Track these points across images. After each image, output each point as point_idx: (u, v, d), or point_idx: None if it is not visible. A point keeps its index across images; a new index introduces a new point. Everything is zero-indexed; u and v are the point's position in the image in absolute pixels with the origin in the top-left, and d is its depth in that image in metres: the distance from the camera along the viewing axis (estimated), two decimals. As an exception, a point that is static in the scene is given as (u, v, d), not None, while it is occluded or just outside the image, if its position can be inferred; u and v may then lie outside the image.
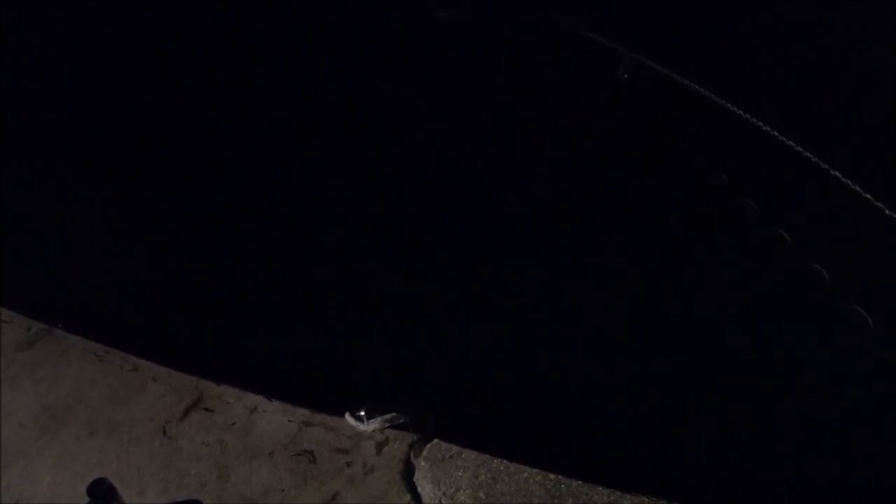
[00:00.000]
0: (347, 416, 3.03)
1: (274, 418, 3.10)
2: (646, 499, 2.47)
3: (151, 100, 4.81)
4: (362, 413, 3.01)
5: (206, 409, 3.20)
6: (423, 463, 2.84)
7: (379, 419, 2.99)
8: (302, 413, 3.10)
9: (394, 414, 3.00)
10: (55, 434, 3.31)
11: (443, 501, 2.71)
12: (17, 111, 5.01)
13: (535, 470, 2.71)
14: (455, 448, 2.87)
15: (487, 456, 2.80)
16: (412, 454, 2.89)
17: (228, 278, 3.65)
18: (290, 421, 3.08)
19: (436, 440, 2.91)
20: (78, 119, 4.91)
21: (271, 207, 4.04)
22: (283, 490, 2.85)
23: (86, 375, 3.49)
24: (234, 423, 3.12)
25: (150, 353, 3.44)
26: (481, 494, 2.67)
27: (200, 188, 4.14)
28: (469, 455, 2.83)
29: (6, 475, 3.21)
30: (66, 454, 3.21)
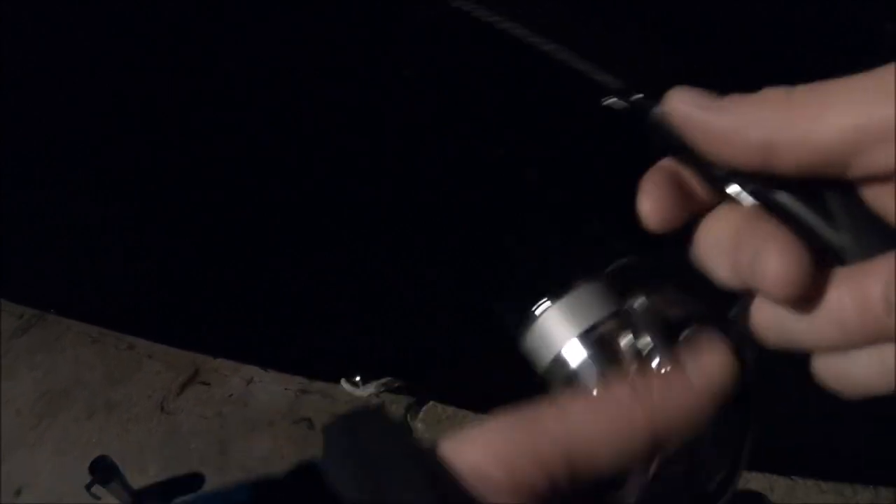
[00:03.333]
0: (343, 383, 3.04)
1: (271, 388, 3.11)
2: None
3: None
4: (357, 378, 3.02)
5: (203, 383, 3.20)
6: (419, 425, 2.85)
7: (374, 384, 2.99)
8: (299, 381, 3.10)
9: (389, 378, 3.00)
10: (54, 419, 3.31)
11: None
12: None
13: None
14: (451, 409, 2.88)
15: (484, 416, 2.80)
16: (409, 416, 2.91)
17: (220, 252, 3.63)
18: (286, 390, 3.08)
19: (431, 402, 2.91)
20: (64, 98, 4.87)
21: (264, 181, 4.02)
22: (282, 457, 2.86)
23: (82, 358, 3.48)
24: (231, 395, 3.12)
25: (144, 332, 3.43)
26: (479, 454, 2.69)
27: (190, 163, 4.11)
28: (465, 416, 2.84)
29: (6, 464, 3.22)
30: (66, 438, 3.22)
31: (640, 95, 0.35)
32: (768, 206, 0.30)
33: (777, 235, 0.29)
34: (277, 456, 2.87)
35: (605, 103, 0.37)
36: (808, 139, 0.26)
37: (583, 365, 0.40)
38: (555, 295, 0.42)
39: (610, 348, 0.40)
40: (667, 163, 0.35)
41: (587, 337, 0.40)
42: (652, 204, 0.32)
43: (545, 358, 0.42)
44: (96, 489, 2.78)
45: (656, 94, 0.34)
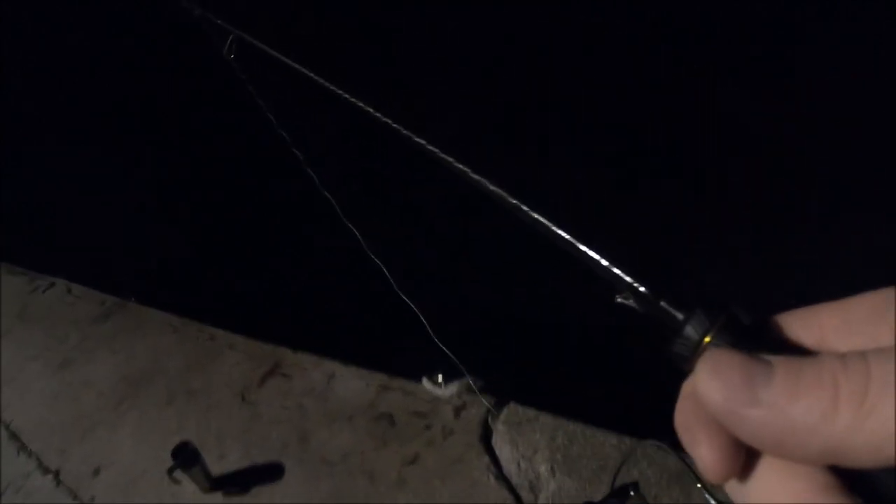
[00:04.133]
0: (424, 381, 3.05)
1: (352, 384, 3.13)
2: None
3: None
4: (440, 378, 3.03)
5: (284, 375, 3.24)
6: (500, 426, 2.84)
7: (456, 384, 3.00)
8: (379, 378, 3.12)
9: (470, 379, 3.02)
10: (133, 402, 3.36)
11: (521, 463, 2.71)
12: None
13: (610, 432, 2.71)
14: (531, 412, 2.87)
15: (563, 419, 2.80)
16: (489, 418, 2.90)
17: (307, 250, 3.69)
18: (367, 386, 3.10)
19: (512, 404, 2.91)
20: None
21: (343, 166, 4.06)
22: (363, 452, 2.87)
23: (162, 346, 3.54)
24: (312, 389, 3.15)
25: (225, 323, 3.49)
26: (558, 456, 2.67)
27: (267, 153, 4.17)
28: (545, 418, 2.83)
29: (87, 444, 3.28)
30: (145, 421, 3.27)
31: (663, 303, 0.36)
32: None
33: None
34: (358, 451, 2.88)
35: (619, 300, 0.39)
36: (858, 446, 0.26)
37: None
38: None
39: None
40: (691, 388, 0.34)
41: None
42: (714, 455, 0.31)
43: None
44: (177, 474, 2.81)
45: (667, 295, 0.35)
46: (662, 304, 0.36)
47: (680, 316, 0.34)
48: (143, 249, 4.00)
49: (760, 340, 0.31)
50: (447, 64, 4.27)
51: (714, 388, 0.29)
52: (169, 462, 3.05)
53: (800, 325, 0.32)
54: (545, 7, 4.43)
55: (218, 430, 3.09)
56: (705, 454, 0.31)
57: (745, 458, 0.31)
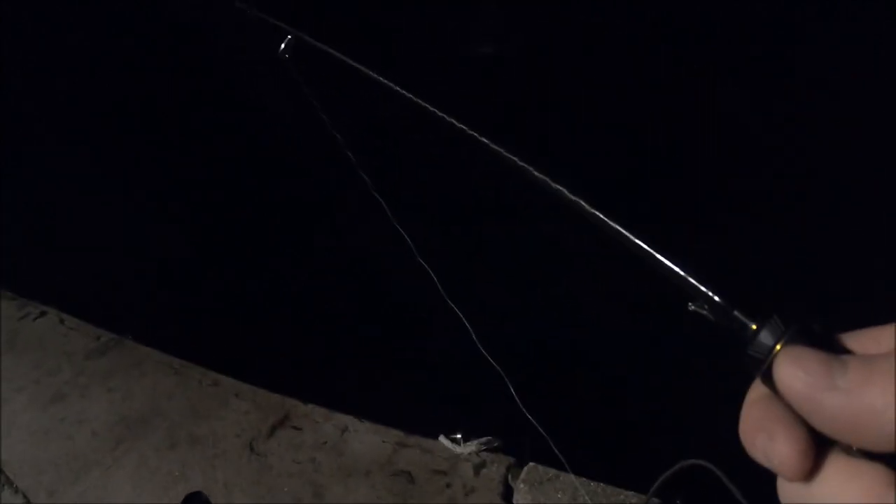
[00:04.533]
0: (442, 439, 3.05)
1: (366, 438, 3.10)
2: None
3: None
4: (458, 436, 3.03)
5: (295, 427, 3.18)
6: (521, 485, 2.86)
7: (475, 442, 3.01)
8: (395, 434, 3.10)
9: (489, 437, 3.03)
10: (132, 444, 3.25)
11: (543, 523, 2.74)
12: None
13: (631, 492, 2.76)
14: (552, 471, 2.89)
15: (585, 478, 2.83)
16: (510, 476, 2.92)
17: (316, 300, 3.65)
18: (384, 442, 3.08)
19: (532, 463, 2.93)
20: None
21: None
22: (382, 509, 2.84)
23: (162, 388, 3.44)
24: (325, 443, 3.10)
25: (230, 369, 3.41)
26: (582, 516, 2.71)
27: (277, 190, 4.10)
28: (567, 478, 2.85)
29: (80, 484, 3.14)
30: (145, 465, 3.15)
31: (737, 312, 0.38)
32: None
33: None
34: (376, 507, 2.85)
35: (692, 309, 0.42)
36: None
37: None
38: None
39: None
40: (763, 392, 0.36)
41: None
42: (795, 449, 0.33)
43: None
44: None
45: (749, 314, 0.37)
46: (735, 313, 0.39)
47: (752, 325, 0.37)
48: (142, 284, 3.89)
49: (831, 346, 0.35)
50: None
51: (796, 377, 0.32)
52: (173, 510, 2.97)
53: (852, 340, 0.36)
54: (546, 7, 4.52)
55: (225, 481, 3.01)
56: (782, 448, 0.33)
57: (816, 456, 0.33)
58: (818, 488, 0.33)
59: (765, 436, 0.34)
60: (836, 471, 0.32)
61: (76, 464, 3.23)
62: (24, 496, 3.18)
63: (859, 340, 0.35)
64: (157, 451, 3.20)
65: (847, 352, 0.34)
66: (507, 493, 2.87)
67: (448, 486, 2.89)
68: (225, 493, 2.97)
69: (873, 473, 0.31)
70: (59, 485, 3.18)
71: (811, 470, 0.33)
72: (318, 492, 2.93)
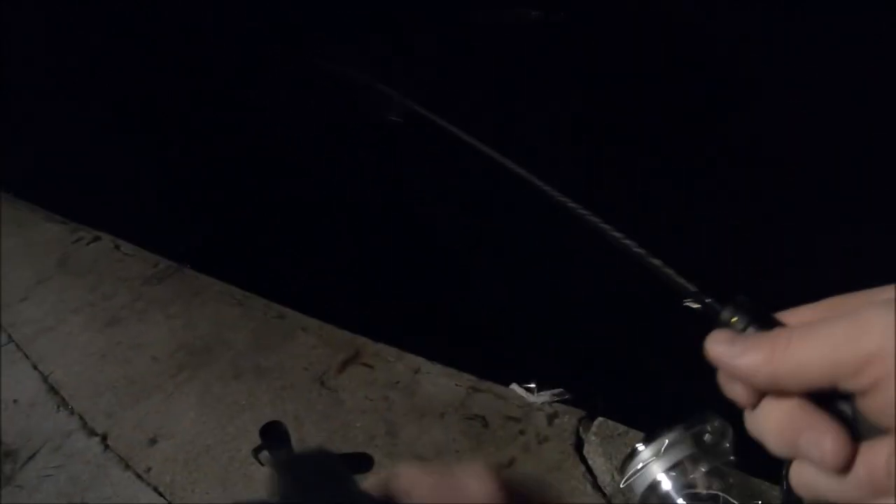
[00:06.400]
0: (515, 387, 3.04)
1: (439, 381, 3.08)
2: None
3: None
4: (532, 385, 3.03)
5: (366, 365, 3.15)
6: (592, 437, 2.87)
7: (548, 393, 3.01)
8: (468, 379, 3.08)
9: (562, 389, 3.03)
10: (194, 372, 3.19)
11: (615, 475, 2.76)
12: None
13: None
14: (622, 427, 2.91)
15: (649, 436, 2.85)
16: (581, 429, 2.92)
17: (395, 241, 3.60)
18: (457, 385, 3.05)
19: (601, 418, 2.95)
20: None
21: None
22: (457, 451, 2.82)
23: (225, 318, 3.38)
24: (397, 382, 3.08)
25: (295, 303, 3.36)
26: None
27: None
28: (636, 434, 2.88)
29: (140, 409, 3.08)
30: (209, 393, 3.10)
31: (710, 300, 0.47)
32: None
33: (828, 422, 0.40)
34: (451, 449, 2.83)
35: (685, 303, 0.49)
36: (801, 374, 0.39)
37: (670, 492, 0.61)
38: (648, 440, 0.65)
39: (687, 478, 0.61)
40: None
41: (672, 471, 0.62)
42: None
43: (642, 486, 0.63)
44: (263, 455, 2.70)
45: (723, 299, 0.46)
46: (708, 300, 0.47)
47: (720, 308, 0.46)
48: (206, 215, 3.80)
49: (767, 321, 0.44)
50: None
51: (712, 349, 0.43)
52: (242, 439, 2.92)
53: (791, 315, 0.44)
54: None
55: (296, 413, 2.97)
56: (738, 393, 0.42)
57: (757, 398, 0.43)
58: (757, 414, 0.43)
59: (729, 386, 0.43)
60: (766, 403, 0.42)
61: (135, 388, 3.17)
62: (81, 418, 3.12)
63: (797, 314, 0.43)
64: (221, 380, 3.14)
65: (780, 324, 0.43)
66: (579, 445, 2.87)
67: (521, 432, 2.89)
68: (296, 424, 2.93)
69: (793, 402, 0.40)
70: (116, 408, 3.12)
71: (752, 404, 0.43)
72: (391, 430, 2.91)
